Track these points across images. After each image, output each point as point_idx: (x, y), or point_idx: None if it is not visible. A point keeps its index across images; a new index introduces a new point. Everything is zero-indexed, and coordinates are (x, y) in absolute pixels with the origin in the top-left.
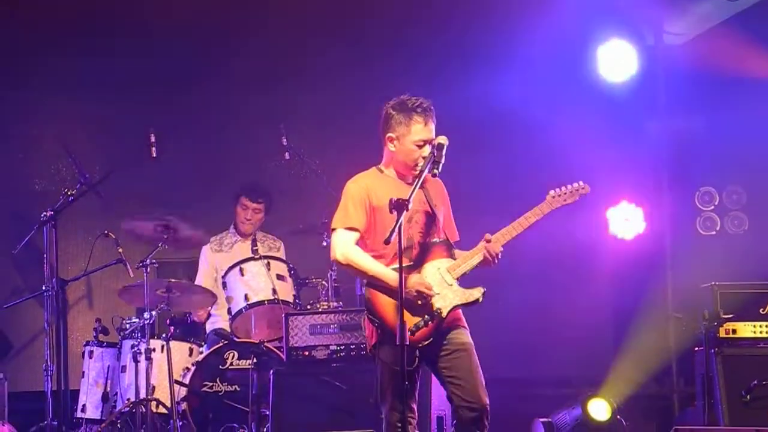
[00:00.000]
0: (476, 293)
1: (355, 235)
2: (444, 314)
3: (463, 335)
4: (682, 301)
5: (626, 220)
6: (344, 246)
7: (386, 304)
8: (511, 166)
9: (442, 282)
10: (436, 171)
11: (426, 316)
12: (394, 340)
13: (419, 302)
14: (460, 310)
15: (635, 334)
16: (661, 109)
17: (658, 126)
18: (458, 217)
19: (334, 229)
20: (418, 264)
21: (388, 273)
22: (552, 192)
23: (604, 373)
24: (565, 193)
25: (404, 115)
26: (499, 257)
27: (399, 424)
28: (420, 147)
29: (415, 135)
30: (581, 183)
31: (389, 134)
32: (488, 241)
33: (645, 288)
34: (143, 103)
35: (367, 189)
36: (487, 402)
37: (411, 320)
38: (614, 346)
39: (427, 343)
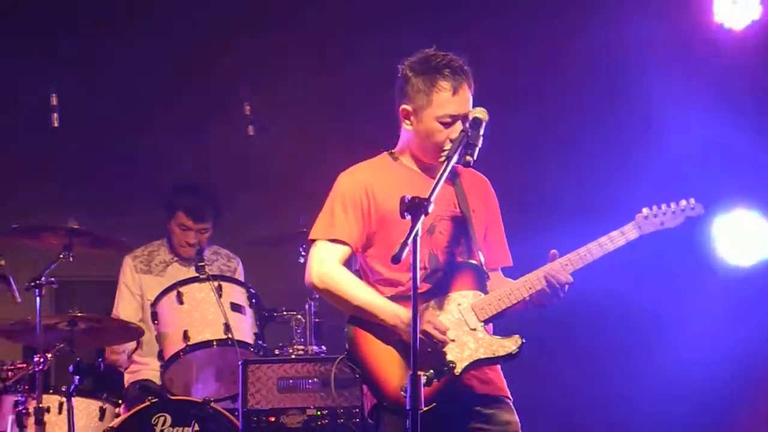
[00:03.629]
0: (510, 345)
1: (343, 250)
2: (458, 371)
3: (506, 410)
4: None
5: (744, 237)
6: (323, 264)
7: (376, 349)
8: (576, 153)
9: (461, 324)
10: (469, 158)
11: (431, 371)
12: (391, 403)
13: (426, 349)
14: (499, 371)
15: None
16: None
17: None
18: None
19: (312, 241)
20: (437, 294)
21: (383, 304)
22: (645, 211)
23: None
24: (664, 214)
25: (425, 79)
26: (566, 290)
27: None
28: (447, 126)
29: (440, 108)
30: (692, 201)
31: (404, 106)
32: (552, 258)
33: None
34: (41, 53)
35: (366, 185)
36: None
37: (405, 375)
38: (730, 420)
39: (427, 409)
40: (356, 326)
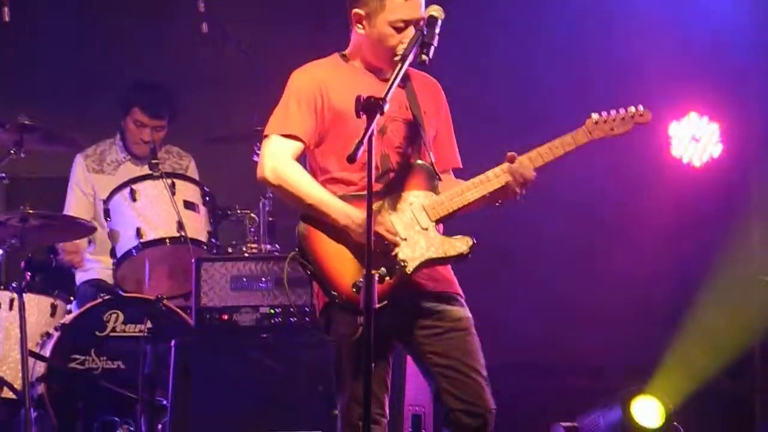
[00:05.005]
0: (461, 245)
1: (296, 146)
2: (409, 270)
3: (458, 307)
4: None
5: (695, 140)
6: (276, 158)
7: (327, 247)
8: (528, 55)
9: (413, 224)
10: (425, 57)
11: (383, 270)
12: (342, 301)
13: (377, 250)
14: (450, 270)
15: (702, 306)
16: None
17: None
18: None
19: (266, 136)
20: (389, 194)
21: (335, 204)
22: (594, 116)
23: (656, 361)
24: (613, 120)
25: None
26: (528, 186)
27: (361, 424)
28: (399, 30)
29: (392, 12)
30: (640, 107)
31: (356, 10)
32: (511, 159)
33: (719, 238)
34: None
35: (320, 83)
36: (493, 406)
37: (356, 273)
38: (671, 323)
39: (379, 306)
40: (308, 223)
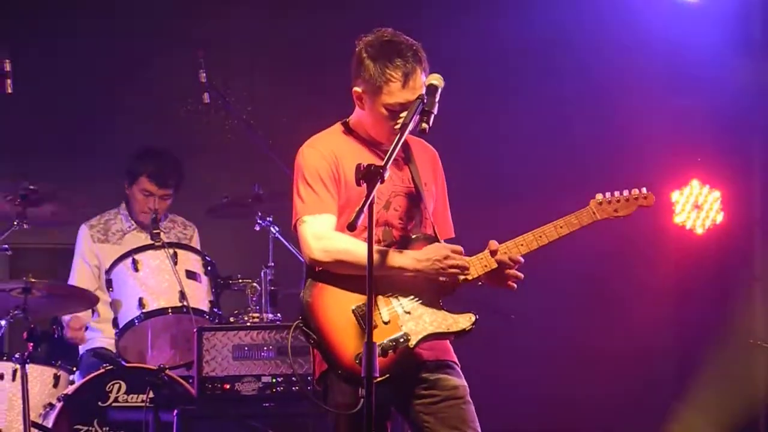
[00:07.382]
0: (464, 321)
1: (331, 219)
2: (412, 344)
3: (453, 375)
4: None
5: (697, 208)
6: (321, 237)
7: (331, 316)
8: (531, 130)
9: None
10: (425, 125)
11: (385, 341)
12: (345, 371)
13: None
14: (447, 340)
15: (707, 372)
16: (755, 45)
17: (749, 70)
18: (455, 209)
19: (300, 221)
20: None
21: (394, 252)
22: (599, 197)
23: (660, 429)
24: (618, 201)
25: (376, 66)
26: (519, 276)
27: None
28: (395, 114)
29: (389, 96)
30: (643, 190)
31: (356, 88)
32: (493, 252)
33: (722, 304)
34: None
35: (333, 157)
36: None
37: (360, 343)
38: (676, 389)
39: (381, 379)
40: (312, 293)
